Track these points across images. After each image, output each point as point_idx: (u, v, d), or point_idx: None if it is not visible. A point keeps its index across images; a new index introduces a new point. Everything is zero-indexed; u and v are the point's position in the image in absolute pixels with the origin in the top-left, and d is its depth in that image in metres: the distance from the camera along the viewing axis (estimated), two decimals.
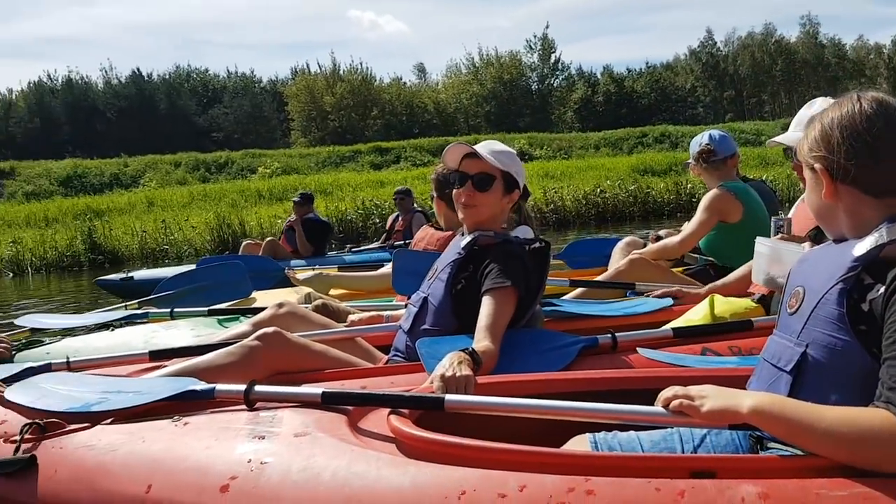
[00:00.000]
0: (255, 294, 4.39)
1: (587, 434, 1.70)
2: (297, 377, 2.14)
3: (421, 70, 58.97)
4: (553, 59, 48.69)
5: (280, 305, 2.80)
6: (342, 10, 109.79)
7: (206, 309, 3.68)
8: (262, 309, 3.00)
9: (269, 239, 8.45)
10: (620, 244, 4.57)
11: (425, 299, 2.43)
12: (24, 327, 3.49)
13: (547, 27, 49.65)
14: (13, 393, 1.96)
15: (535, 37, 48.57)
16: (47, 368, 2.44)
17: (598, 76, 53.26)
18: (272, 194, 20.34)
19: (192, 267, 6.12)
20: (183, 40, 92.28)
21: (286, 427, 1.65)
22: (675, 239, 3.84)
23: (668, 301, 3.03)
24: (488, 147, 2.46)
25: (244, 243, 8.50)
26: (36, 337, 3.37)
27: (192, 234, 14.89)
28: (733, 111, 52.31)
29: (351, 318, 2.88)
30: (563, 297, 3.42)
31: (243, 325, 2.84)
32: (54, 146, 36.60)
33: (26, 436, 1.74)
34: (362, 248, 9.21)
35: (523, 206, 4.45)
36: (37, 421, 1.77)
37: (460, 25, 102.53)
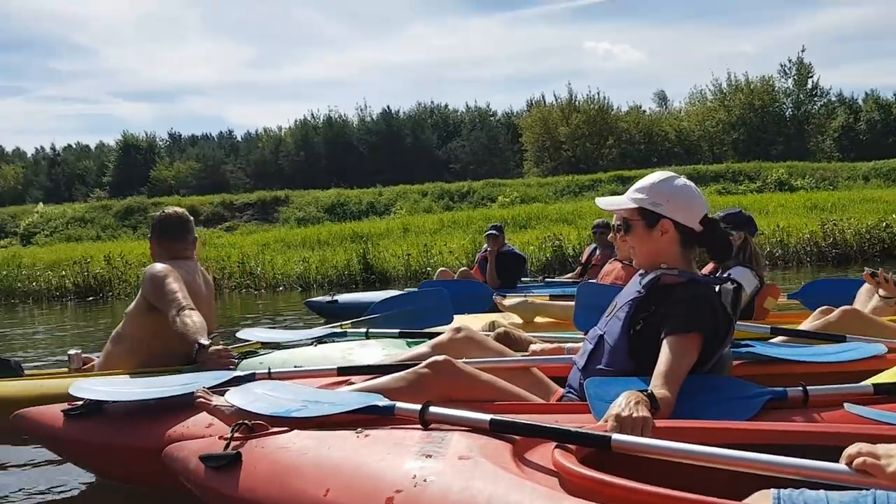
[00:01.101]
0: (462, 318, 4.53)
1: (771, 490, 1.57)
2: (469, 404, 2.16)
3: (661, 98, 57.23)
4: (810, 84, 45.12)
5: (458, 330, 2.83)
6: (577, 42, 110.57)
7: (398, 331, 3.89)
8: None
9: (462, 269, 8.69)
10: (866, 286, 4.11)
11: (601, 337, 2.33)
12: (246, 340, 3.95)
13: (803, 50, 45.21)
14: (231, 395, 2.22)
15: (789, 61, 45.29)
16: (251, 378, 2.68)
17: (861, 102, 48.32)
18: (515, 222, 20.63)
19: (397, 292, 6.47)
20: (426, 79, 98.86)
21: (453, 449, 1.70)
22: None
23: (881, 348, 2.67)
24: (636, 184, 2.39)
25: (438, 270, 8.74)
26: (254, 348, 3.77)
27: (449, 257, 15.65)
28: None
29: (532, 347, 2.86)
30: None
31: (423, 346, 2.93)
32: (315, 177, 40.49)
33: (236, 434, 1.97)
34: (556, 279, 9.08)
35: (750, 242, 4.16)
36: (245, 421, 1.99)
37: (700, 53, 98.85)
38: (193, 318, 3.21)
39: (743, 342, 2.92)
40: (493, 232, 8.28)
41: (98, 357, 3.66)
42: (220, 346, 3.14)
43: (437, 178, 35.56)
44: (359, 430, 1.89)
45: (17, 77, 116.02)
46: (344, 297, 8.10)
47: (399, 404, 1.95)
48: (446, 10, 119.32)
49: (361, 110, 52.93)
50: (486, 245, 8.44)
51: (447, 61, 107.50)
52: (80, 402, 2.58)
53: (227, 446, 1.94)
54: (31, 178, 55.72)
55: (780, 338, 3.32)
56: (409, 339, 3.75)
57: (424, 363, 2.29)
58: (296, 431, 1.96)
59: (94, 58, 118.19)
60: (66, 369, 3.76)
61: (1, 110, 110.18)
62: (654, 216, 2.30)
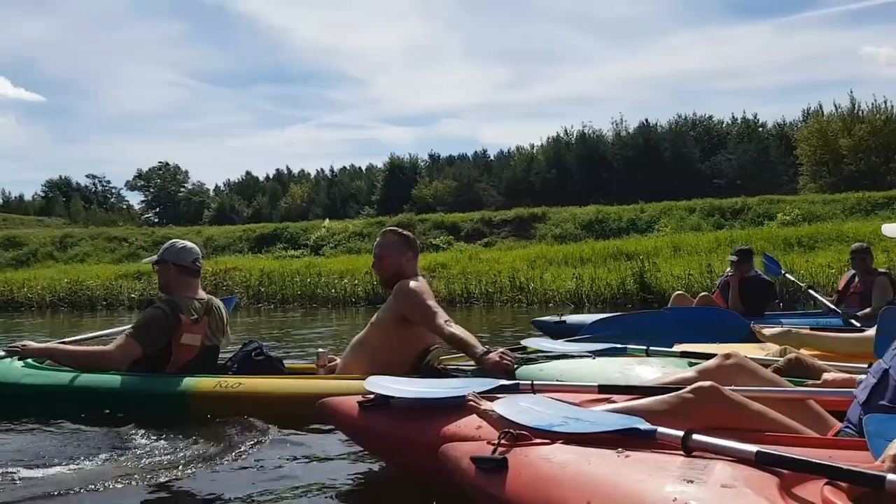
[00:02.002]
0: (714, 347, 4.37)
1: None
2: (734, 434, 2.08)
3: None
4: None
5: (727, 356, 2.72)
6: (854, 48, 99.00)
7: (679, 350, 3.81)
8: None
9: (702, 294, 8.17)
10: None
11: (885, 372, 2.17)
12: (527, 346, 4.17)
13: None
14: (499, 406, 2.40)
15: None
16: (515, 388, 2.85)
17: None
18: (800, 242, 18.92)
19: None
20: (687, 90, 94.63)
21: (716, 477, 1.70)
22: None
23: None
24: None
25: (675, 294, 8.30)
26: (534, 356, 3.97)
27: None
28: None
29: (825, 376, 2.71)
30: None
31: (689, 371, 2.86)
32: (565, 193, 40.20)
33: (503, 441, 2.13)
34: (818, 297, 8.15)
35: None
36: (510, 430, 2.15)
37: None
38: (461, 329, 3.54)
39: None
40: (733, 258, 7.81)
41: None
42: (502, 350, 3.41)
43: (700, 193, 33.53)
44: (619, 449, 1.95)
45: (303, 107, 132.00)
46: (572, 318, 8.03)
47: (660, 429, 1.98)
48: (707, 19, 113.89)
49: (617, 124, 52.23)
50: (728, 269, 8.00)
51: (709, 71, 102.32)
52: (372, 396, 2.91)
53: (494, 451, 2.11)
54: (313, 197, 62.84)
55: None
56: (691, 360, 3.68)
57: (689, 388, 2.24)
58: (558, 444, 2.08)
59: (364, 87, 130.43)
60: (314, 365, 4.21)
61: (290, 137, 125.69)
62: None
